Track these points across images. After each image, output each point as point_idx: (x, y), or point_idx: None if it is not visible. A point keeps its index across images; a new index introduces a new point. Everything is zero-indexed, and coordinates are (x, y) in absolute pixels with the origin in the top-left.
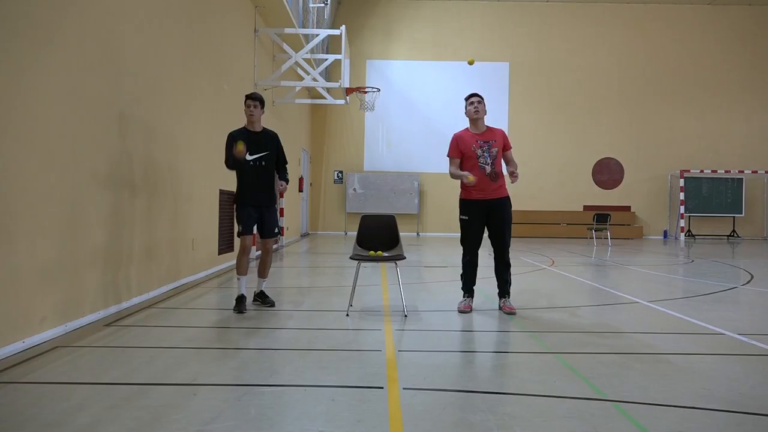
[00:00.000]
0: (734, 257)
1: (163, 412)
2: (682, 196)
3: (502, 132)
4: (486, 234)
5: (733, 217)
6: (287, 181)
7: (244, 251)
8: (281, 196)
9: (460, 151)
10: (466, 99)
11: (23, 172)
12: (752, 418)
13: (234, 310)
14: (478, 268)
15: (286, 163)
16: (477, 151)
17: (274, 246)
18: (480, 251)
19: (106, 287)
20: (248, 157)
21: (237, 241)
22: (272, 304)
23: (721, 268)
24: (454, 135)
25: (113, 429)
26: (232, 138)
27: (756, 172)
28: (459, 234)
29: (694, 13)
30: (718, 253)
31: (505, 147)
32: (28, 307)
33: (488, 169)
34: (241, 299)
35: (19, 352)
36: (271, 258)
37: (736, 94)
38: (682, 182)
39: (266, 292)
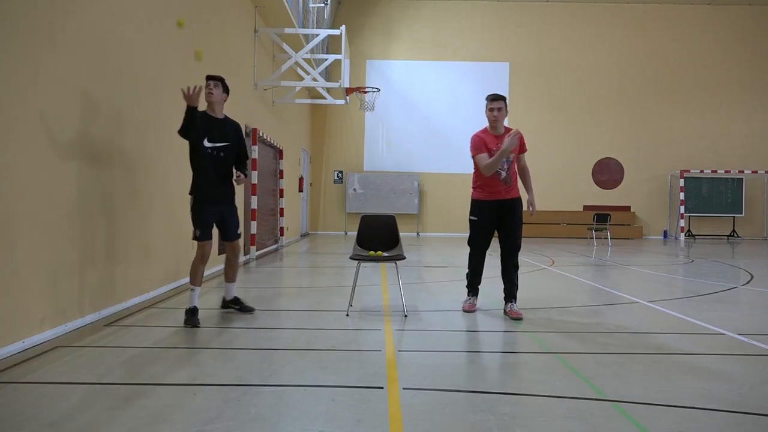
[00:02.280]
0: (734, 257)
1: (163, 412)
2: (682, 196)
3: (521, 136)
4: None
5: (733, 217)
6: (246, 175)
7: (202, 259)
8: (237, 184)
9: (485, 147)
10: (488, 100)
11: (23, 172)
12: (752, 418)
13: (187, 324)
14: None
15: (247, 158)
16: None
17: (274, 246)
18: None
19: (106, 287)
20: (206, 144)
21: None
22: (251, 310)
23: (721, 268)
24: (476, 135)
25: (113, 429)
26: (192, 119)
27: (756, 172)
28: (459, 234)
29: (694, 13)
30: (718, 253)
31: (521, 149)
32: (28, 307)
33: (503, 174)
34: (194, 312)
35: (19, 352)
36: (238, 261)
37: (736, 94)
38: (682, 182)
39: (240, 298)
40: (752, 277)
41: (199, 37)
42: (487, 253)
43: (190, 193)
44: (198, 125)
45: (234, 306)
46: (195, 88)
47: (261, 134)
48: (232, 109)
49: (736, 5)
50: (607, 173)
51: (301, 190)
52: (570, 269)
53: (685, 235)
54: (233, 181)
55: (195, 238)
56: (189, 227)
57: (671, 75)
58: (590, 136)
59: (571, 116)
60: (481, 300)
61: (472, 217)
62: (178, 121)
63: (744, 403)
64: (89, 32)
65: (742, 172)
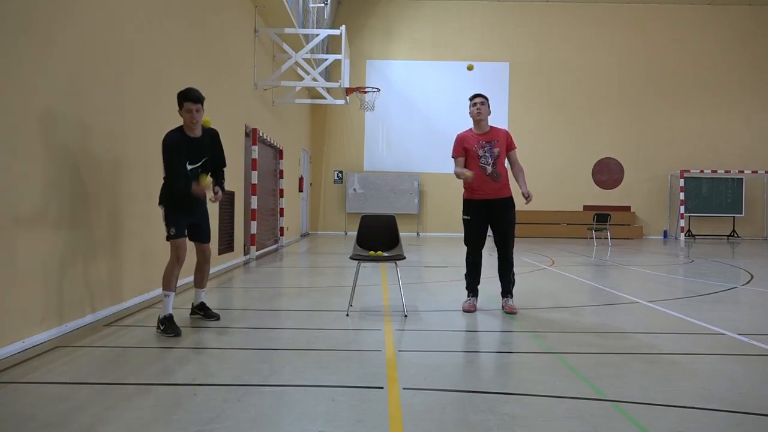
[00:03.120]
0: (734, 257)
1: (163, 412)
2: (682, 196)
3: (506, 132)
4: (490, 234)
5: (733, 217)
6: (223, 190)
7: (178, 260)
8: (213, 201)
9: (464, 150)
10: (470, 99)
11: (23, 172)
12: (752, 418)
13: (167, 334)
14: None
15: (225, 166)
16: (479, 151)
17: (274, 246)
18: (483, 251)
19: (106, 287)
20: (188, 167)
21: (238, 239)
22: (217, 318)
23: (721, 268)
24: (457, 135)
25: (113, 429)
26: (174, 149)
27: (756, 172)
28: (459, 234)
29: (694, 13)
30: (718, 253)
31: (509, 147)
32: (28, 307)
33: (489, 169)
34: (170, 319)
35: (19, 352)
36: (209, 267)
37: (736, 94)
38: (682, 182)
39: (207, 304)
40: (752, 277)
41: (200, 36)
42: (487, 253)
43: (159, 204)
44: (181, 150)
45: (199, 312)
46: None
47: (261, 134)
48: (232, 109)
49: (736, 5)
50: (607, 173)
51: (301, 190)
52: (570, 269)
53: (685, 235)
54: (209, 200)
55: (169, 237)
56: None
57: (671, 75)
58: (590, 136)
59: (571, 116)
60: (480, 300)
61: (465, 216)
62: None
63: (744, 403)
64: (89, 32)
65: (742, 172)
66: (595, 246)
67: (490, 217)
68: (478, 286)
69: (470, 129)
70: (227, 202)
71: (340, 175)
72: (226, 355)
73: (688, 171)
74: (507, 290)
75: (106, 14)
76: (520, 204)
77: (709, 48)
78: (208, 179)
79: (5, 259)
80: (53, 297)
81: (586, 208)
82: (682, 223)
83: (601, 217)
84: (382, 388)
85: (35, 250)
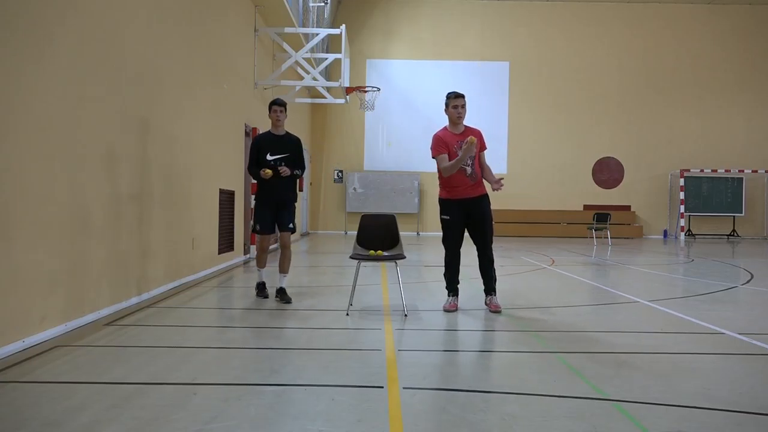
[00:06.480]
0: (734, 257)
1: (163, 412)
2: (682, 195)
3: (480, 132)
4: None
5: (733, 216)
6: (296, 174)
7: (262, 249)
8: (279, 174)
9: (446, 148)
10: (449, 97)
11: (23, 172)
12: (752, 418)
13: (259, 296)
14: (471, 267)
15: (303, 169)
16: (458, 152)
17: (275, 245)
18: (462, 249)
19: (105, 287)
20: (269, 157)
21: (237, 239)
22: (289, 301)
23: (721, 268)
24: (436, 135)
25: (113, 429)
26: (257, 147)
27: (756, 171)
28: None
29: (693, 12)
30: (718, 252)
31: (482, 147)
32: (28, 306)
33: (469, 169)
34: (260, 286)
35: (19, 352)
36: (289, 253)
37: (736, 94)
38: (682, 181)
39: (286, 290)
40: (752, 276)
41: (200, 36)
42: (467, 251)
43: (254, 197)
44: (262, 145)
45: (276, 296)
46: (267, 175)
47: None
48: (232, 108)
49: (736, 5)
50: (608, 173)
51: (301, 190)
52: (570, 268)
53: (685, 235)
54: (278, 168)
55: (254, 231)
56: (188, 227)
57: (671, 75)
58: (590, 136)
59: (571, 116)
60: (480, 299)
61: (444, 216)
62: (179, 120)
63: (744, 403)
64: (90, 31)
65: (742, 171)
66: (595, 245)
67: (469, 216)
68: (458, 286)
69: (445, 128)
70: (226, 201)
71: (340, 174)
72: (226, 354)
73: (688, 170)
74: (491, 288)
75: (106, 14)
76: (518, 203)
77: (709, 47)
78: (269, 172)
79: (5, 259)
80: (53, 297)
81: (587, 207)
82: (682, 222)
83: (601, 216)
84: (382, 387)
85: (35, 249)
